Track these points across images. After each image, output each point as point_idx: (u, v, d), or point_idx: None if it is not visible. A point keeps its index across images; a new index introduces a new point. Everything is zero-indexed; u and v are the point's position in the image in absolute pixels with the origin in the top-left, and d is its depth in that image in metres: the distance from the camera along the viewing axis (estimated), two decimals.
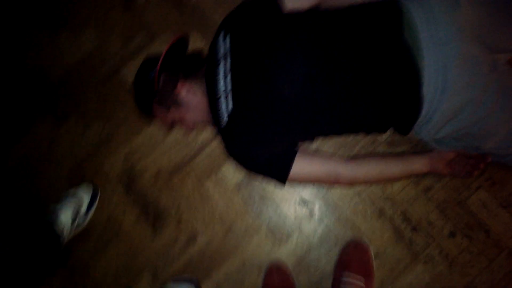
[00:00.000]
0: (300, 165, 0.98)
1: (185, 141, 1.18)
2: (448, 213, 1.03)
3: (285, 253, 1.08)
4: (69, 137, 1.23)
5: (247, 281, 1.07)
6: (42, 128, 1.25)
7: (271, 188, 1.12)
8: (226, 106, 0.89)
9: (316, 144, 1.12)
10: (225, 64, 0.91)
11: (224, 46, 0.94)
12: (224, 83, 0.90)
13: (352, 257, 1.02)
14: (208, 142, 1.17)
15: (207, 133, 1.17)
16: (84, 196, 1.13)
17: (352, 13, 0.90)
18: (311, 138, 1.01)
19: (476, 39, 0.83)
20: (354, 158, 1.01)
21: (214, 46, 0.97)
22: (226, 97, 0.89)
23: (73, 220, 1.08)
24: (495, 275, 1.00)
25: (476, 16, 0.84)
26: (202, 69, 1.00)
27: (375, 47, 0.86)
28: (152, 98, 1.00)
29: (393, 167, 0.98)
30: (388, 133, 1.09)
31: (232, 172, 1.14)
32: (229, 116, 0.89)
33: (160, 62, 0.96)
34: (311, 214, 1.09)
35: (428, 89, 0.83)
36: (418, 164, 0.98)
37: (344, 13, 0.91)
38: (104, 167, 1.19)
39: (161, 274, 1.10)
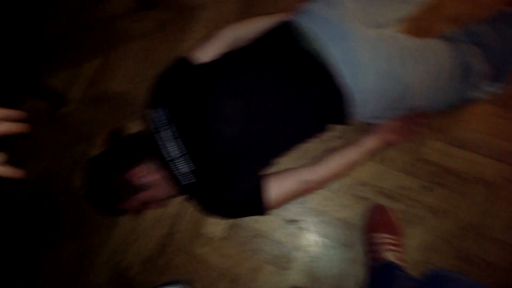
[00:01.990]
0: (272, 190, 1.00)
1: (157, 221, 1.16)
2: (415, 172, 1.10)
3: (294, 277, 1.08)
4: (46, 271, 1.18)
5: None
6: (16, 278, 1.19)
7: (255, 224, 1.13)
8: (188, 167, 0.90)
9: (279, 165, 1.15)
10: (172, 131, 0.93)
11: (161, 116, 0.96)
12: (178, 148, 0.91)
13: (376, 220, 1.07)
14: (179, 210, 1.16)
15: (176, 202, 1.17)
16: None
17: (258, 45, 0.97)
18: (269, 163, 1.04)
19: (364, 24, 0.92)
20: (314, 161, 1.05)
21: (152, 121, 0.98)
22: (185, 159, 0.90)
23: None
24: (479, 206, 1.06)
25: (356, 6, 0.93)
26: (149, 148, 1.01)
27: (286, 65, 0.92)
28: (111, 197, 0.98)
29: (349, 154, 1.03)
30: (335, 129, 1.15)
31: (214, 227, 1.14)
32: (194, 175, 0.90)
33: (103, 159, 0.96)
34: (300, 230, 1.11)
35: (348, 77, 0.90)
36: (369, 142, 1.04)
37: (249, 47, 0.98)
38: (90, 282, 1.14)
39: None
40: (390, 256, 0.99)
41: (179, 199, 1.16)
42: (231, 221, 1.13)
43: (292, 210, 1.12)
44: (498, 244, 1.03)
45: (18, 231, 1.22)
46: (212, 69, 0.97)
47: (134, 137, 1.08)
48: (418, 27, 1.19)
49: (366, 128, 1.13)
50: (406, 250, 1.06)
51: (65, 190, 1.23)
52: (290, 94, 0.91)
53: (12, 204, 1.25)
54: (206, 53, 1.03)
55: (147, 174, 0.97)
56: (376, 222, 1.06)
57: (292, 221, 1.11)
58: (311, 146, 1.15)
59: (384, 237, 1.02)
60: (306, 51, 0.91)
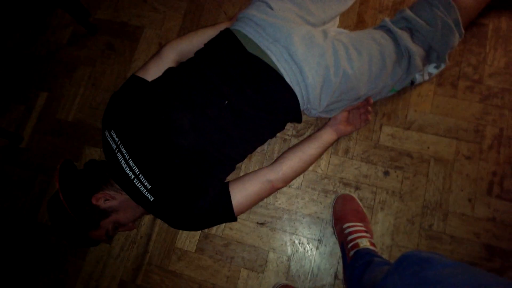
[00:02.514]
0: (237, 194, 1.02)
1: (130, 241, 1.16)
2: (372, 159, 1.14)
3: (272, 278, 1.09)
4: None
5: None
6: None
7: (228, 231, 1.14)
8: (144, 187, 0.91)
9: (241, 170, 1.18)
10: (122, 154, 0.94)
11: (113, 140, 0.97)
12: (130, 170, 0.92)
13: (343, 210, 1.09)
14: (150, 228, 1.17)
15: (146, 221, 1.17)
16: None
17: (202, 55, 1.01)
18: (231, 168, 1.06)
19: (300, 22, 0.98)
20: (275, 160, 1.08)
21: (105, 145, 1.00)
22: (139, 180, 0.91)
23: None
24: (437, 183, 1.11)
25: (288, 7, 0.99)
26: (105, 172, 1.02)
27: (231, 69, 0.96)
28: (77, 228, 0.99)
29: (308, 149, 1.07)
30: (290, 128, 1.19)
31: (187, 241, 1.14)
32: (152, 194, 0.91)
33: (60, 195, 0.96)
34: (273, 230, 1.13)
35: (290, 77, 0.95)
36: (326, 135, 1.09)
37: (196, 58, 1.02)
38: None
39: None
40: (364, 242, 1.01)
41: (150, 217, 1.17)
42: (204, 231, 1.14)
43: (261, 212, 1.14)
44: (461, 217, 1.07)
45: None
46: (160, 84, 1.00)
47: (91, 165, 1.09)
48: (352, 21, 1.27)
49: (320, 123, 1.18)
50: (375, 236, 1.09)
51: (32, 225, 1.23)
52: (242, 98, 0.94)
53: None
54: (152, 71, 1.06)
55: (110, 200, 0.98)
56: (344, 211, 1.09)
57: (263, 224, 1.13)
58: (271, 147, 1.20)
59: (355, 225, 1.05)
60: (252, 55, 0.96)
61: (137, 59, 1.35)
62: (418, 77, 1.14)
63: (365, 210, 1.10)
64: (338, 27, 1.21)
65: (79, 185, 1.00)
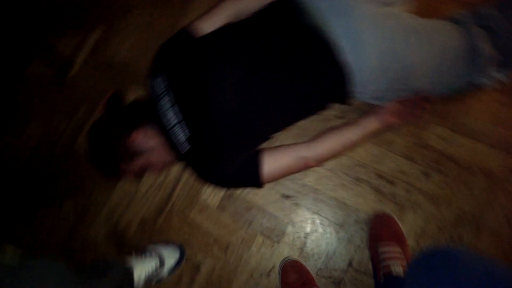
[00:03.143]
0: (269, 163, 1.02)
1: (158, 184, 1.20)
2: (415, 157, 1.09)
3: (285, 250, 1.10)
4: (46, 225, 1.24)
5: None
6: (15, 231, 1.25)
7: (252, 196, 1.15)
8: (184, 134, 0.93)
9: (278, 141, 1.17)
10: (169, 98, 0.96)
11: (161, 84, 0.99)
12: (174, 114, 0.94)
13: (380, 229, 1.04)
14: (179, 176, 1.20)
15: (176, 168, 1.20)
16: (170, 260, 1.09)
17: (257, 19, 0.99)
18: (267, 137, 1.06)
19: (369, 0, 0.92)
20: (314, 138, 1.06)
21: (152, 87, 1.02)
22: (181, 126, 0.93)
23: (147, 278, 1.05)
24: (478, 196, 1.05)
25: None
26: (148, 113, 1.04)
27: (284, 38, 0.93)
28: (112, 159, 1.03)
29: (349, 134, 1.04)
30: (335, 108, 1.16)
31: (211, 196, 1.17)
32: (189, 142, 0.93)
33: (102, 124, 1.00)
34: (296, 205, 1.12)
35: (348, 55, 0.90)
36: (370, 123, 1.04)
37: (249, 21, 0.99)
38: (89, 237, 1.19)
39: None
40: (397, 269, 0.95)
41: (180, 166, 1.20)
42: (228, 191, 1.16)
43: (289, 185, 1.14)
44: (493, 235, 1.02)
45: (21, 187, 1.29)
46: (212, 41, 0.99)
47: (135, 103, 1.12)
48: (425, 7, 1.18)
49: (367, 109, 1.13)
50: None
51: (69, 151, 1.29)
52: (290, 69, 0.92)
53: (15, 161, 1.32)
54: (207, 25, 1.05)
55: (147, 140, 1.01)
56: (382, 232, 1.04)
57: (288, 197, 1.13)
58: (310, 123, 1.17)
59: (390, 250, 1.00)
60: (308, 26, 0.92)
61: (192, 11, 1.34)
62: (482, 80, 1.06)
63: (394, 208, 1.07)
64: (405, 12, 1.13)
65: (122, 118, 1.04)
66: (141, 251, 1.10)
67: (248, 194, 1.15)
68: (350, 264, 1.06)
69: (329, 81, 0.94)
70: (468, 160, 1.07)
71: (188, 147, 0.93)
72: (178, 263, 1.09)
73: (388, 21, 0.90)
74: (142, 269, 1.01)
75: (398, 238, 1.01)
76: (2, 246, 0.59)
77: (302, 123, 1.16)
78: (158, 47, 1.05)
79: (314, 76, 0.92)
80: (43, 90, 1.36)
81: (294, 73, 0.91)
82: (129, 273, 0.97)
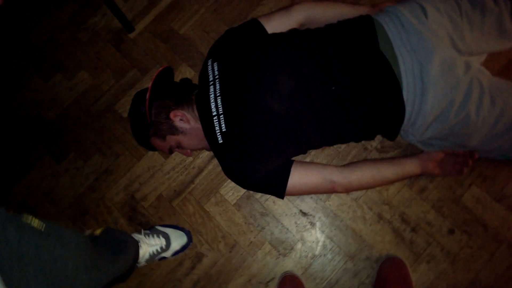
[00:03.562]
0: (296, 177, 1.00)
1: (183, 166, 1.21)
2: (444, 211, 1.06)
3: (289, 266, 1.09)
4: (69, 173, 1.26)
5: None
6: (41, 167, 1.28)
7: (271, 204, 1.14)
8: (219, 127, 0.93)
9: (310, 157, 1.15)
10: (214, 89, 0.95)
11: (212, 72, 0.99)
12: (215, 106, 0.94)
13: (390, 274, 1.01)
14: (205, 165, 1.20)
15: (204, 156, 1.21)
16: (176, 243, 1.09)
17: (332, 30, 0.96)
18: (303, 150, 1.04)
19: (448, 43, 0.88)
20: (347, 165, 1.04)
21: (203, 73, 1.02)
22: (219, 119, 0.93)
23: (150, 257, 1.06)
24: (498, 268, 1.01)
25: (443, 22, 0.89)
26: (192, 96, 1.04)
27: (355, 59, 0.91)
28: (147, 130, 1.04)
29: (386, 171, 1.01)
30: (377, 140, 1.13)
31: (231, 192, 1.17)
32: (223, 137, 0.92)
33: (148, 94, 1.01)
34: (311, 225, 1.11)
35: (408, 94, 0.88)
36: (409, 166, 1.02)
37: (324, 31, 0.97)
38: (105, 200, 1.21)
39: None
40: None
41: (209, 154, 1.20)
42: (249, 192, 1.16)
43: (309, 203, 1.12)
44: None
45: (57, 129, 1.32)
46: (279, 41, 0.97)
47: (184, 83, 1.12)
48: (499, 65, 1.13)
49: (410, 150, 1.10)
50: None
51: (108, 109, 1.31)
52: (350, 92, 0.90)
53: (58, 102, 1.35)
54: (275, 23, 1.04)
55: (184, 121, 1.01)
56: (390, 276, 1.01)
57: (306, 214, 1.12)
58: (348, 148, 1.15)
59: None
60: (381, 53, 0.90)
61: (265, 4, 1.32)
62: None
63: (410, 255, 1.04)
64: (481, 65, 1.08)
65: (168, 94, 1.04)
66: (149, 229, 1.11)
67: (266, 200, 1.14)
68: None
69: (387, 115, 0.91)
70: (498, 230, 1.03)
71: (221, 141, 0.93)
72: (183, 249, 1.10)
73: (460, 71, 0.86)
74: (148, 247, 1.02)
75: (406, 286, 0.99)
76: (26, 217, 0.60)
77: (339, 146, 1.15)
78: (224, 32, 1.05)
79: (374, 106, 0.90)
80: (100, 42, 1.38)
81: (354, 97, 0.89)
82: (137, 250, 0.99)
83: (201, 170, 1.19)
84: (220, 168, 1.17)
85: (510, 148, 0.95)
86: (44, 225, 0.59)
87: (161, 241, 1.07)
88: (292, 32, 1.01)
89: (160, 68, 1.08)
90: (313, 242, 1.10)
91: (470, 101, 0.86)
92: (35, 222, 0.59)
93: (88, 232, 0.93)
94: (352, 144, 1.14)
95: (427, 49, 0.87)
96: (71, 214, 1.22)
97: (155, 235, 1.07)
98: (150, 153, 1.23)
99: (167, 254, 1.08)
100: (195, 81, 1.16)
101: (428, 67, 0.86)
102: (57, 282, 0.55)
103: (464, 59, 0.90)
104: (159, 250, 1.06)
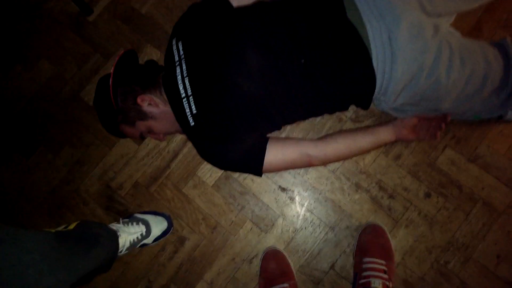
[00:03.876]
0: (273, 154, 0.99)
1: (157, 151, 1.18)
2: (420, 176, 1.07)
3: (271, 241, 1.10)
4: (40, 168, 1.22)
5: (239, 274, 1.09)
6: (10, 165, 1.23)
7: (249, 182, 1.13)
8: (190, 110, 0.90)
9: (285, 132, 1.14)
10: (181, 69, 0.91)
11: (178, 52, 0.94)
12: (183, 88, 0.90)
13: (370, 242, 1.03)
14: (179, 148, 1.17)
15: (178, 139, 1.18)
16: (156, 229, 1.08)
17: (301, 2, 0.92)
18: (278, 127, 1.02)
19: (416, 6, 0.86)
20: (323, 137, 1.03)
21: (168, 53, 0.97)
22: (188, 101, 0.89)
23: (131, 245, 1.04)
24: (474, 227, 1.04)
25: None
26: (159, 78, 1.00)
27: (323, 29, 0.87)
28: (115, 117, 1.00)
29: (361, 141, 1.01)
30: (351, 110, 1.12)
31: (208, 173, 1.15)
32: (194, 119, 0.90)
33: (111, 79, 0.96)
34: (291, 200, 1.11)
35: (378, 61, 0.86)
36: (384, 134, 1.01)
37: (290, 1, 0.93)
38: (80, 191, 1.18)
39: (154, 285, 1.11)
40: (377, 283, 0.95)
41: (183, 138, 1.17)
42: (227, 172, 1.14)
43: (288, 179, 1.12)
44: (481, 269, 1.02)
45: (23, 123, 1.26)
46: (244, 16, 0.93)
47: (149, 65, 1.07)
48: (468, 25, 1.11)
49: (384, 118, 1.10)
50: None
51: (74, 98, 1.25)
52: (320, 63, 0.87)
53: (21, 95, 1.28)
54: None
55: (155, 104, 0.98)
56: (370, 244, 1.02)
57: (285, 189, 1.12)
58: (323, 121, 1.13)
59: (375, 262, 0.99)
60: (349, 21, 0.87)
61: None
62: (510, 114, 1.02)
63: (389, 221, 1.06)
64: (451, 26, 1.06)
65: (132, 78, 1.00)
66: (128, 217, 1.09)
67: (245, 179, 1.13)
68: (332, 267, 1.07)
69: (358, 84, 0.90)
70: (473, 190, 1.05)
71: (193, 123, 0.90)
72: (164, 234, 1.09)
73: (429, 35, 0.84)
74: (127, 236, 1.01)
75: (385, 253, 1.01)
76: None
77: (314, 119, 1.13)
78: (189, 6, 0.99)
79: (344, 76, 0.88)
80: (59, 28, 1.30)
81: (324, 68, 0.87)
82: (116, 240, 0.97)
83: (176, 154, 1.17)
84: (195, 150, 1.14)
85: (481, 108, 0.95)
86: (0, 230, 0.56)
87: (141, 228, 1.05)
88: (258, 4, 0.96)
89: (121, 52, 1.02)
90: (294, 216, 1.10)
91: (440, 64, 0.85)
92: None
93: (60, 228, 0.90)
94: (327, 116, 1.13)
95: (395, 14, 0.84)
96: (47, 209, 1.18)
97: (134, 223, 1.06)
98: (122, 140, 1.19)
99: (148, 241, 1.07)
100: (162, 62, 1.11)
101: (396, 32, 0.84)
102: None
103: (433, 21, 0.88)
104: (139, 237, 1.05)
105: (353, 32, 0.86)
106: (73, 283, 0.64)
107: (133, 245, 1.05)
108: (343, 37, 0.86)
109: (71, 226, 0.91)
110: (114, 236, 0.98)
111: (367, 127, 1.04)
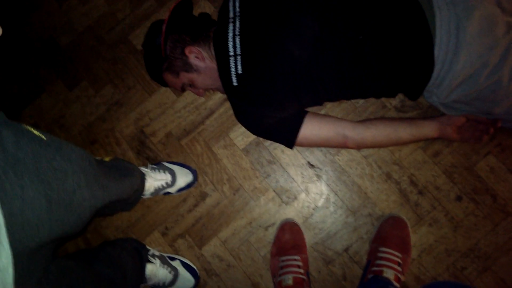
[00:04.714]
0: (309, 128, 0.98)
1: (194, 106, 1.18)
2: (455, 178, 1.04)
3: (291, 214, 1.10)
4: (80, 101, 1.25)
5: (253, 238, 1.10)
6: (53, 93, 1.27)
7: (279, 152, 1.13)
8: (235, 69, 0.89)
9: (325, 109, 1.12)
10: (234, 27, 0.90)
11: (233, 9, 0.93)
12: (233, 46, 0.89)
13: (390, 232, 1.02)
14: (217, 107, 1.17)
15: (216, 98, 1.18)
16: (181, 181, 1.10)
17: None
18: (320, 102, 1.01)
19: (492, 0, 0.81)
20: (363, 121, 1.01)
21: (223, 9, 0.96)
22: (235, 60, 0.89)
23: (155, 190, 1.07)
24: (500, 238, 1.01)
25: None
26: (210, 33, 0.99)
27: (387, 8, 0.84)
28: (161, 64, 1.01)
29: (402, 131, 0.98)
30: (397, 98, 1.09)
31: (240, 137, 1.15)
32: (238, 79, 0.89)
33: (164, 26, 0.96)
34: (318, 177, 1.10)
35: (440, 50, 0.82)
36: (427, 129, 0.98)
37: None
38: (114, 131, 1.21)
39: (170, 232, 1.14)
40: (389, 273, 0.94)
41: (223, 97, 1.17)
42: (259, 139, 1.14)
43: (318, 156, 1.11)
44: (497, 281, 1.00)
45: (70, 55, 1.29)
46: None
47: (202, 18, 1.06)
48: None
49: (430, 112, 1.06)
50: None
51: (123, 40, 1.26)
52: (378, 42, 0.84)
53: (71, 28, 1.31)
54: None
55: (202, 58, 0.97)
56: (389, 234, 1.01)
57: (313, 166, 1.11)
58: (366, 104, 1.11)
59: (391, 253, 0.97)
60: (418, 3, 0.83)
61: None
62: None
63: (413, 216, 1.04)
64: None
65: (185, 28, 0.99)
66: (157, 164, 1.11)
67: (275, 148, 1.13)
68: (346, 250, 1.07)
69: (413, 72, 0.86)
70: (507, 202, 1.01)
71: (236, 84, 0.89)
72: (188, 186, 1.11)
73: (500, 32, 0.79)
74: (153, 182, 1.03)
75: (403, 246, 1.00)
76: (26, 125, 0.55)
77: (357, 100, 1.11)
78: None
79: (402, 60, 0.84)
80: None
81: (382, 48, 0.84)
82: (143, 181, 1.00)
83: (212, 112, 1.17)
84: (231, 111, 1.15)
85: None
86: (45, 135, 0.56)
87: (167, 177, 1.08)
88: None
89: (179, 0, 1.02)
90: (317, 194, 1.10)
91: (504, 65, 0.80)
92: (37, 132, 0.56)
93: (97, 158, 0.93)
94: (371, 100, 1.10)
95: (468, 3, 0.79)
96: (80, 142, 1.22)
97: (161, 170, 1.08)
98: (162, 89, 1.20)
99: (172, 190, 1.10)
100: (215, 17, 1.10)
101: (466, 23, 0.79)
102: (55, 193, 0.53)
103: (507, 19, 0.82)
104: (164, 185, 1.07)
105: (420, 16, 0.82)
106: (104, 204, 0.67)
107: (157, 191, 1.07)
108: (408, 19, 0.83)
109: (106, 159, 0.94)
110: (143, 176, 1.00)
111: (411, 119, 1.01)
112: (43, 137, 0.56)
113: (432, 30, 0.81)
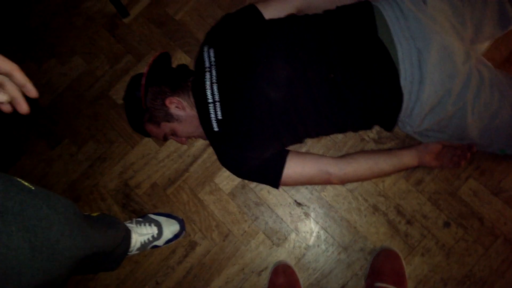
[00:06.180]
0: (292, 167, 0.99)
1: (177, 154, 1.19)
2: (441, 204, 1.05)
3: (282, 256, 1.08)
4: (62, 159, 1.24)
5: (247, 285, 1.07)
6: (35, 153, 1.26)
7: (265, 193, 1.13)
8: (215, 115, 0.91)
9: (306, 147, 1.14)
10: (211, 76, 0.93)
11: (208, 58, 0.96)
12: (211, 94, 0.92)
13: (383, 266, 1.01)
14: (200, 153, 1.18)
15: (199, 144, 1.19)
16: (168, 232, 1.08)
17: (329, 16, 0.94)
18: (300, 139, 1.02)
19: (448, 30, 0.86)
20: (344, 156, 1.02)
21: (199, 59, 1.00)
22: (214, 106, 0.91)
23: (142, 245, 1.05)
24: (493, 262, 1.00)
25: (444, 8, 0.87)
26: (189, 82, 1.02)
27: (353, 47, 0.88)
28: (142, 115, 1.02)
29: (382, 163, 1.00)
30: (374, 131, 1.11)
31: (225, 181, 1.15)
32: (218, 124, 0.91)
33: (144, 79, 0.99)
34: (306, 215, 1.10)
35: (406, 81, 0.86)
36: (407, 158, 1.00)
37: (321, 17, 0.94)
38: (98, 186, 1.20)
39: (161, 286, 1.10)
40: None
41: (204, 143, 1.18)
42: (244, 181, 1.14)
43: (304, 194, 1.11)
44: None
45: (51, 114, 1.30)
46: (275, 27, 0.95)
47: (181, 69, 1.10)
48: (501, 57, 1.11)
49: (407, 141, 1.09)
50: None
51: (103, 95, 1.29)
52: (348, 80, 0.88)
53: (48, 92, 1.33)
54: (272, 10, 1.02)
55: (182, 108, 1.00)
56: (383, 268, 1.00)
57: (300, 204, 1.11)
58: (345, 138, 1.13)
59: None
60: (380, 40, 0.87)
61: None
62: None
63: (404, 247, 1.03)
64: (483, 56, 1.06)
65: (164, 80, 1.02)
66: (142, 217, 1.10)
67: (261, 190, 1.13)
68: None
69: (384, 103, 0.89)
70: (494, 224, 1.02)
71: (217, 129, 0.91)
72: (175, 237, 1.09)
73: (459, 60, 0.84)
74: (138, 237, 1.02)
75: (399, 279, 0.98)
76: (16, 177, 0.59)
77: (336, 136, 1.13)
78: (221, 17, 1.02)
79: (372, 93, 0.88)
80: (94, 27, 1.35)
81: (352, 84, 0.87)
82: (129, 235, 0.98)
83: (196, 159, 1.18)
84: (215, 157, 1.15)
85: (508, 143, 0.93)
86: (34, 186, 0.59)
87: (153, 230, 1.06)
88: (290, 18, 0.98)
89: (157, 53, 1.05)
90: (307, 232, 1.09)
91: (468, 92, 0.84)
92: (26, 183, 0.58)
93: (85, 214, 0.92)
94: (349, 134, 1.12)
95: (426, 36, 0.84)
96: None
97: (147, 224, 1.06)
98: (145, 140, 1.21)
99: (159, 242, 1.08)
100: (192, 67, 1.14)
101: (426, 54, 0.84)
102: (39, 241, 0.54)
103: (465, 48, 0.88)
104: (150, 239, 1.05)
105: (383, 51, 0.86)
106: (86, 254, 0.66)
107: (144, 246, 1.05)
108: (373, 55, 0.87)
109: (93, 214, 0.93)
110: (128, 232, 0.99)
111: (390, 150, 1.03)
112: (31, 187, 0.59)
113: (396, 63, 0.85)
